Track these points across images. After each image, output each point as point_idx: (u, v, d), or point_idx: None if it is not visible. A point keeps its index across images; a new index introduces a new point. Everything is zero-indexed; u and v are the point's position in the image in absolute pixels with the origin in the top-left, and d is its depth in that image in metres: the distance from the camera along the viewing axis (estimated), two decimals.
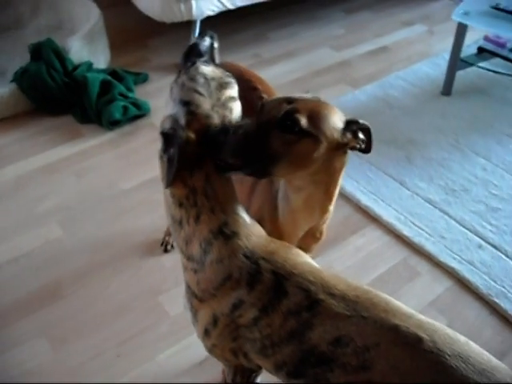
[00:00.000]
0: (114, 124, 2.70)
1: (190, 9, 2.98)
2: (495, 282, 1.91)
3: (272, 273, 1.01)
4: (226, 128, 0.99)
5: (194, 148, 0.98)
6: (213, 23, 3.25)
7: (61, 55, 2.82)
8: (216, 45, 1.13)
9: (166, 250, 1.99)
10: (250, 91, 1.54)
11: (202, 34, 1.14)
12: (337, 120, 1.06)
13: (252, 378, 1.29)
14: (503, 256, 2.01)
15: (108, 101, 2.71)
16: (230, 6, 3.17)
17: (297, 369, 0.99)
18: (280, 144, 1.00)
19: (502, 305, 1.83)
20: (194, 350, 1.63)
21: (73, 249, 2.06)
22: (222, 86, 1.04)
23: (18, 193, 2.34)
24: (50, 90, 2.74)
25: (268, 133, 1.00)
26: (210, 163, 1.01)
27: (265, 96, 1.52)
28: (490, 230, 2.11)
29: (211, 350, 1.15)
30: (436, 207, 2.23)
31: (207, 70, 1.04)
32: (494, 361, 0.90)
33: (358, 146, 1.09)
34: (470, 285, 1.91)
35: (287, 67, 3.28)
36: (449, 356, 0.88)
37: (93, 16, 3.14)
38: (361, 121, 1.09)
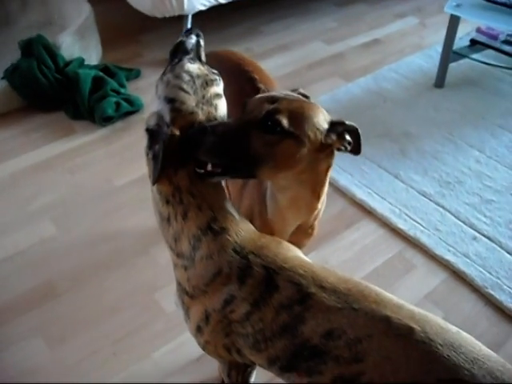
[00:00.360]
0: (106, 120, 2.68)
1: (181, 3, 2.95)
2: (490, 273, 1.91)
3: (262, 267, 1.01)
4: (204, 127, 0.98)
5: (179, 145, 0.98)
6: (204, 17, 3.24)
7: (52, 51, 2.80)
8: (202, 42, 1.13)
9: None
10: (247, 82, 1.53)
11: (188, 32, 1.14)
12: (321, 121, 1.04)
13: (247, 373, 1.30)
14: (498, 247, 2.01)
15: (100, 97, 2.69)
16: (222, 0, 3.16)
17: (290, 363, 1.00)
18: (261, 145, 0.99)
19: (497, 296, 1.83)
20: (191, 346, 1.62)
21: (67, 246, 2.05)
22: (208, 83, 1.04)
23: (11, 190, 2.33)
24: (41, 86, 2.72)
25: (249, 133, 0.99)
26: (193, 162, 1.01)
27: (261, 86, 1.50)
28: (485, 222, 2.12)
29: (204, 346, 1.15)
30: (431, 200, 2.23)
31: (193, 67, 1.05)
32: (485, 349, 0.91)
33: (344, 147, 1.07)
34: (466, 277, 1.92)
35: (280, 61, 3.27)
36: (440, 346, 0.88)
37: (84, 11, 3.12)
38: (347, 122, 1.07)
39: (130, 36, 3.54)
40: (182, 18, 3.12)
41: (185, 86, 1.01)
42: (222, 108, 1.06)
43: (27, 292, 1.88)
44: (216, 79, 1.06)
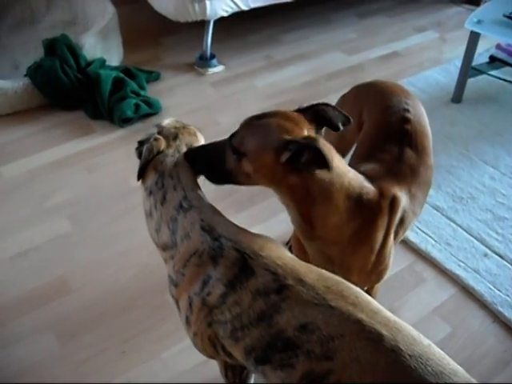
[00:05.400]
0: (125, 121, 2.72)
1: (204, 9, 2.99)
2: (500, 290, 1.92)
3: (235, 250, 1.07)
4: (203, 145, 1.27)
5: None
6: (226, 24, 3.27)
7: (75, 51, 2.85)
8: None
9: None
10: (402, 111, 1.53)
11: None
12: (268, 140, 1.13)
13: (244, 375, 1.34)
14: (508, 265, 2.02)
15: (120, 98, 2.73)
16: (244, 7, 3.18)
17: (264, 354, 1.02)
18: (231, 163, 1.19)
19: (506, 314, 1.84)
20: None
21: (81, 243, 2.08)
22: (184, 124, 1.34)
23: (29, 186, 2.36)
24: (63, 85, 2.76)
25: (225, 151, 1.20)
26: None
27: (411, 117, 1.51)
28: (496, 239, 2.12)
29: (194, 341, 1.19)
30: (443, 214, 2.24)
31: None
32: (453, 364, 0.93)
33: (300, 165, 1.12)
34: (475, 293, 1.92)
35: (298, 70, 3.30)
36: (409, 356, 0.90)
37: (107, 13, 3.16)
38: (304, 140, 1.10)
39: (151, 38, 3.58)
40: (203, 24, 3.15)
41: (167, 121, 1.34)
42: (199, 137, 1.33)
43: (40, 287, 1.91)
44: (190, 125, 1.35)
